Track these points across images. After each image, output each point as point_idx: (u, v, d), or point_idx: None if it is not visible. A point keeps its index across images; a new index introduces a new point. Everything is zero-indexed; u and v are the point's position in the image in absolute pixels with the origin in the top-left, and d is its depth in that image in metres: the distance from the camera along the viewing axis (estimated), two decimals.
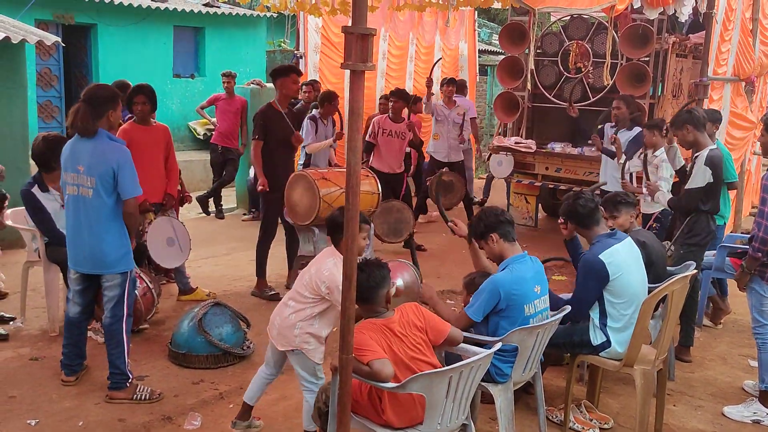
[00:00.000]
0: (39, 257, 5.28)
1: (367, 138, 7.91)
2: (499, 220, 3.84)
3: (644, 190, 5.98)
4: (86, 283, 4.33)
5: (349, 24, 2.69)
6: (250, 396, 3.90)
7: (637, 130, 6.87)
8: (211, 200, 9.49)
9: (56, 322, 5.23)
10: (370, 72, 9.79)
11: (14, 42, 6.99)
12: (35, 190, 5.04)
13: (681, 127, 5.18)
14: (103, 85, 4.34)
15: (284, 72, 6.26)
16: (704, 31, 7.21)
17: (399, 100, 7.94)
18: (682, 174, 5.72)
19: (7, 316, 5.49)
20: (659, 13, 6.65)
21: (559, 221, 4.43)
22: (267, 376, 3.87)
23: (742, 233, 6.77)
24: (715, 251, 5.74)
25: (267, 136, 6.13)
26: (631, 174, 6.67)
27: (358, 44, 2.65)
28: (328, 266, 3.56)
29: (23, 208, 5.76)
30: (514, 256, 3.80)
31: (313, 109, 7.74)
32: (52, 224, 5.04)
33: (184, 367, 4.79)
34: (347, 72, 2.77)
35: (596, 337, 4.05)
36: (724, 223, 6.20)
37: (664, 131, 6.01)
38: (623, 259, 4.02)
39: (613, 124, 7.23)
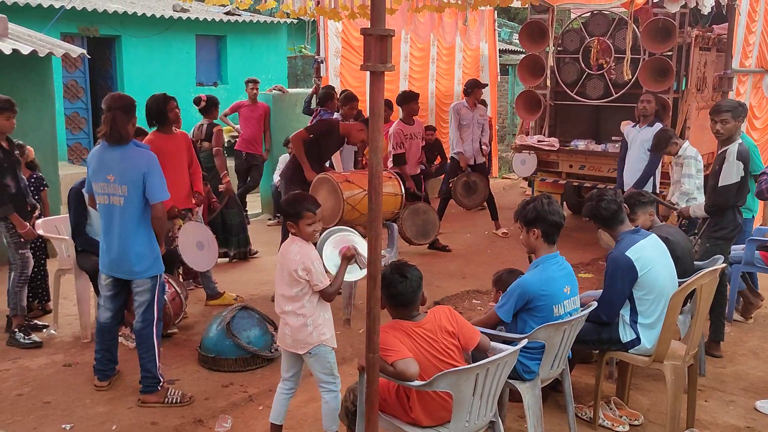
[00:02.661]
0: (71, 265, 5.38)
1: (395, 151, 7.95)
2: (549, 220, 3.71)
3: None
4: (117, 288, 4.41)
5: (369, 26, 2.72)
6: (275, 416, 3.85)
7: (658, 126, 6.83)
8: None
9: (88, 329, 5.33)
10: (393, 74, 9.90)
11: (41, 55, 7.13)
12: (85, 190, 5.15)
13: (738, 117, 5.06)
14: (124, 94, 4.44)
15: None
16: (727, 23, 7.12)
17: (409, 102, 8.10)
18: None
19: (40, 323, 5.60)
20: (681, 6, 6.58)
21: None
22: (287, 392, 3.84)
23: None
24: (744, 245, 5.67)
25: (320, 140, 6.36)
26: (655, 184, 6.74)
27: (377, 45, 2.67)
28: (294, 251, 3.59)
29: (53, 217, 5.89)
30: (546, 255, 3.76)
31: (335, 113, 7.83)
32: (82, 227, 5.17)
33: (214, 371, 4.85)
34: (368, 75, 2.79)
35: (626, 335, 4.02)
36: (753, 217, 6.12)
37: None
38: (650, 254, 3.99)
39: (634, 123, 7.18)
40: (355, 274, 3.96)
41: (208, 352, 4.92)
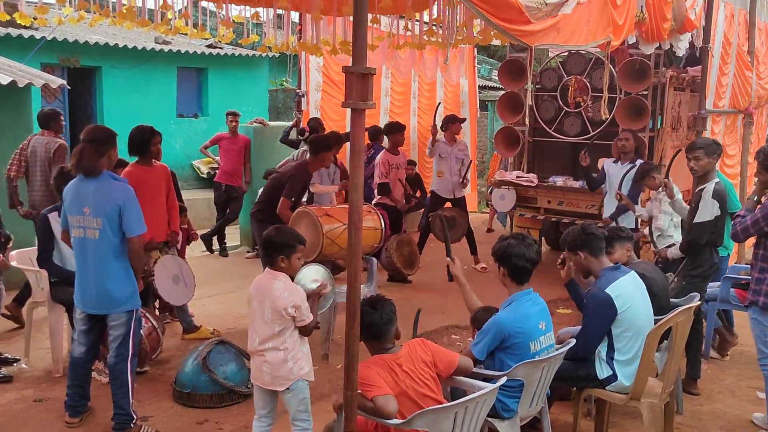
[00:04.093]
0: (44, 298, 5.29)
1: (380, 180, 8.10)
2: (513, 263, 3.74)
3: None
4: (92, 322, 4.34)
5: (350, 63, 2.75)
6: None
7: (639, 162, 6.92)
8: (215, 238, 9.52)
9: (60, 363, 5.22)
10: (373, 109, 10.00)
11: (20, 86, 7.10)
12: (52, 215, 5.08)
13: (712, 154, 5.16)
14: (101, 126, 4.42)
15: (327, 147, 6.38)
16: (701, 65, 7.28)
17: (396, 133, 8.33)
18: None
19: (11, 357, 5.48)
20: (656, 48, 6.72)
21: (557, 263, 4.43)
22: (266, 428, 3.78)
23: (746, 264, 6.76)
24: (719, 282, 5.72)
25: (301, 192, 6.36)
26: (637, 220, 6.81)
27: (358, 83, 2.70)
28: (279, 289, 3.57)
29: (27, 249, 5.81)
30: (519, 293, 3.79)
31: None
32: (49, 254, 5.12)
33: (189, 407, 4.77)
34: (349, 110, 2.82)
35: (602, 371, 4.03)
36: (728, 255, 6.19)
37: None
38: (630, 292, 4.01)
39: (615, 159, 7.28)
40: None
41: (183, 387, 4.84)
